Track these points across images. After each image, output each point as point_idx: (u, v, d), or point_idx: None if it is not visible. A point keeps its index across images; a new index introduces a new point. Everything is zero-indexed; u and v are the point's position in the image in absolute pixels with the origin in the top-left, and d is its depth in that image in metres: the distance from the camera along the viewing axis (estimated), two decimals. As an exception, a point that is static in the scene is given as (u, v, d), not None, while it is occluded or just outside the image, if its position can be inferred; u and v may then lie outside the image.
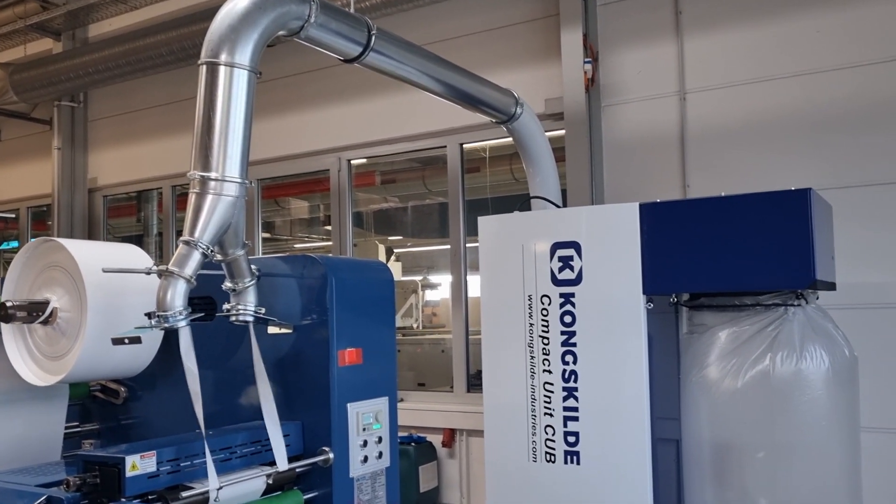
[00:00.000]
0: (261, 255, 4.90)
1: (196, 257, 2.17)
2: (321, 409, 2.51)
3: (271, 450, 2.35)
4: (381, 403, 2.68)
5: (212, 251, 2.22)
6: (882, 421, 3.80)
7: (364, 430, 2.59)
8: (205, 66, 2.26)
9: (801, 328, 3.21)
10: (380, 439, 2.66)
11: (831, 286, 3.48)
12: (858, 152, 3.97)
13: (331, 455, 2.48)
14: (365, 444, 2.59)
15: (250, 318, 2.40)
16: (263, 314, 2.43)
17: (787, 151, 4.12)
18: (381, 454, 2.65)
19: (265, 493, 2.37)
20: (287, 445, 2.42)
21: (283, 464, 2.33)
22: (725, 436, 3.37)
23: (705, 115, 4.32)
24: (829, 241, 3.49)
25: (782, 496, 3.21)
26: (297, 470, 2.45)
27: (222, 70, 2.23)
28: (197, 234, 2.19)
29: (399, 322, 7.16)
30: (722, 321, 3.39)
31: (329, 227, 6.08)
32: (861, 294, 3.87)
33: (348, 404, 2.55)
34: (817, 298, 3.42)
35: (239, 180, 2.24)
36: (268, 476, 2.32)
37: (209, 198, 2.21)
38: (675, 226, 3.26)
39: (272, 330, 2.54)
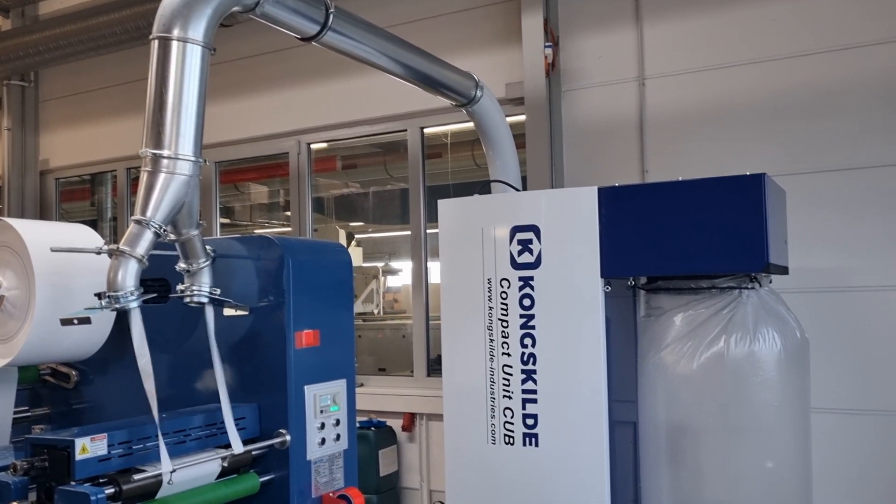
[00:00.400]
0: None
1: (148, 237, 2.12)
2: (278, 392, 2.49)
3: (227, 433, 2.33)
4: (339, 386, 2.66)
5: (164, 231, 2.17)
6: (831, 402, 3.89)
7: (322, 412, 2.57)
8: (157, 42, 2.20)
9: (755, 311, 3.27)
10: (337, 422, 2.64)
11: (784, 270, 3.55)
12: (812, 139, 4.04)
13: (288, 437, 2.46)
14: (322, 426, 2.58)
15: (205, 300, 2.36)
16: (218, 295, 2.39)
17: (743, 138, 4.18)
18: (338, 437, 2.64)
19: (220, 476, 2.34)
20: (243, 428, 2.40)
21: (238, 447, 2.31)
22: (680, 417, 3.42)
23: (664, 101, 4.36)
24: (783, 225, 3.56)
25: (735, 475, 3.28)
26: (253, 453, 2.42)
27: (175, 45, 2.18)
28: (149, 213, 2.14)
29: (360, 308, 7.13)
30: (678, 304, 3.44)
31: (290, 213, 6.02)
32: (812, 278, 3.95)
33: (305, 386, 2.52)
34: (770, 282, 3.48)
35: (192, 158, 2.20)
36: (223, 459, 2.29)
37: (162, 176, 2.16)
38: (633, 210, 3.29)
39: (228, 312, 2.51)
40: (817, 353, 3.53)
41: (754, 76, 4.17)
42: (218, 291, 2.39)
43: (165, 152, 2.16)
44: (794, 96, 4.10)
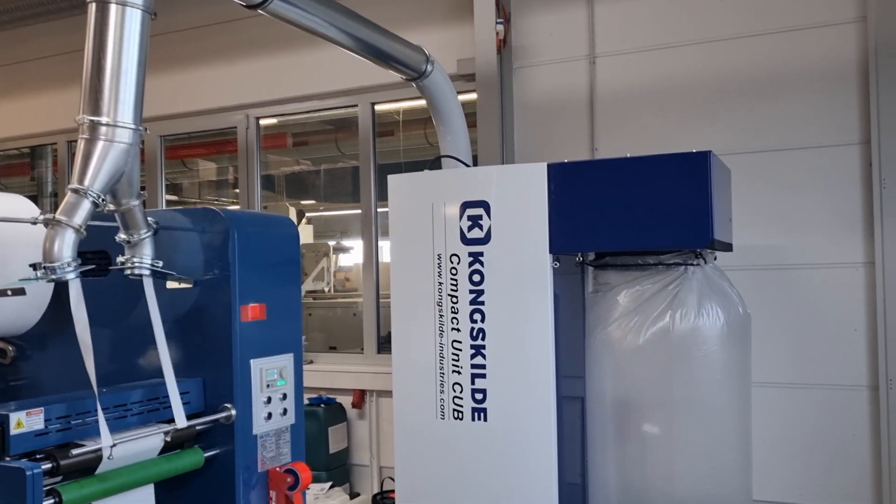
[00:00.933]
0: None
1: (86, 206, 2.06)
2: (223, 366, 2.46)
3: (170, 407, 2.29)
4: (286, 360, 2.64)
5: (103, 200, 2.11)
6: (771, 376, 3.99)
7: (268, 386, 2.55)
8: (94, 4, 2.12)
9: (700, 287, 3.33)
10: (284, 396, 2.62)
11: (729, 247, 3.62)
12: (757, 119, 4.11)
13: (233, 412, 2.43)
14: (269, 400, 2.55)
15: (146, 272, 2.31)
16: (161, 268, 2.34)
17: (690, 117, 4.23)
18: (285, 411, 2.62)
19: (164, 451, 2.30)
20: (187, 403, 2.36)
21: (181, 421, 2.27)
22: (627, 391, 3.48)
23: (614, 79, 4.39)
24: (728, 203, 3.62)
25: (679, 448, 3.35)
26: (198, 427, 2.39)
27: (113, 8, 2.11)
28: (87, 181, 2.08)
29: (310, 286, 7.08)
30: (625, 280, 3.49)
31: (239, 190, 5.92)
32: (756, 255, 4.03)
33: (251, 360, 2.50)
34: (715, 259, 3.55)
35: (132, 126, 2.13)
36: (165, 434, 2.26)
37: (100, 144, 2.10)
38: (582, 186, 3.31)
39: (171, 285, 2.46)
40: (759, 328, 3.61)
41: (701, 56, 4.22)
42: (160, 264, 2.34)
43: (104, 119, 2.09)
44: (739, 76, 4.16)
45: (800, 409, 4.00)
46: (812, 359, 3.99)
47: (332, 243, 8.32)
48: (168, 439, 2.27)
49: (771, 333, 3.97)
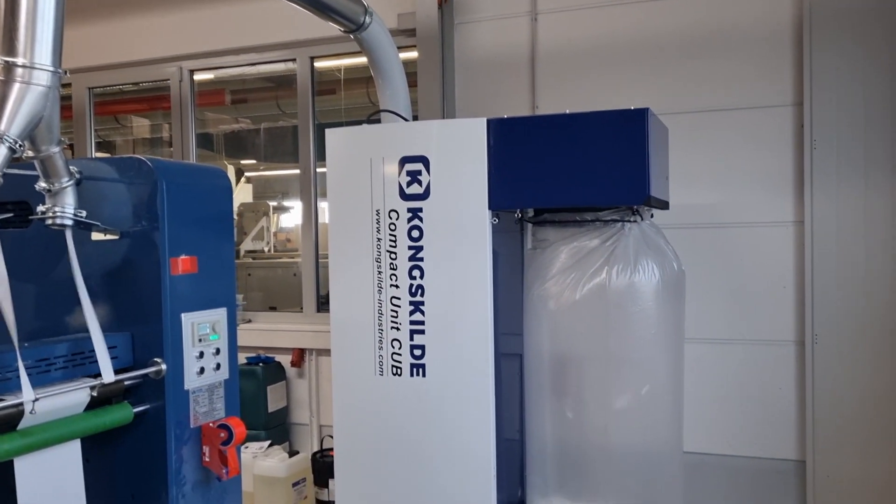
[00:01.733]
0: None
1: (2, 152, 1.96)
2: (153, 320, 2.40)
3: (96, 362, 2.23)
4: (219, 314, 2.59)
5: (21, 146, 2.02)
6: (703, 332, 4.09)
7: (200, 341, 2.50)
8: (7, -63, 2.01)
9: (636, 243, 3.37)
10: (217, 351, 2.57)
11: (665, 205, 3.66)
12: (695, 79, 4.15)
13: (163, 367, 2.38)
14: (201, 355, 2.51)
15: (68, 222, 2.22)
16: (85, 218, 2.26)
17: (630, 75, 4.25)
18: (219, 366, 2.58)
19: (91, 407, 2.24)
20: (114, 357, 2.30)
21: (108, 375, 2.21)
22: (564, 347, 3.52)
23: (555, 36, 4.37)
24: (665, 161, 3.66)
25: (613, 403, 3.41)
26: (126, 382, 2.33)
27: (28, -59, 2.00)
28: (3, 126, 1.98)
29: (250, 245, 6.97)
30: (563, 237, 3.51)
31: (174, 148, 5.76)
32: (691, 214, 4.10)
33: (182, 314, 2.44)
34: (652, 216, 3.59)
35: (51, 69, 2.03)
36: (91, 388, 2.20)
37: (16, 86, 1.99)
38: (521, 142, 3.30)
39: (97, 236, 2.38)
40: (693, 285, 3.69)
41: (642, 14, 4.23)
42: (84, 214, 2.26)
43: (20, 60, 1.99)
44: (679, 36, 4.19)
45: (730, 364, 4.12)
46: (743, 315, 4.10)
47: (272, 203, 8.20)
48: (94, 394, 2.21)
49: (704, 290, 4.06)
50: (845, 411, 3.85)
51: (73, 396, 2.15)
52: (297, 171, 5.13)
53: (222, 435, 2.50)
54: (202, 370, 2.51)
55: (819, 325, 3.88)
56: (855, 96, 3.82)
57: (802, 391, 3.97)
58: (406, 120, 3.76)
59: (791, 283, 4.01)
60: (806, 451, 3.94)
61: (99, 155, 6.01)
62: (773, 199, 4.04)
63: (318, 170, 5.03)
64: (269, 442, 4.46)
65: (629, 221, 3.37)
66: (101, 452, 2.46)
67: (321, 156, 4.94)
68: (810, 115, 3.89)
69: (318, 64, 5.25)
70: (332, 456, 3.69)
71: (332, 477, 3.69)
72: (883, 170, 3.77)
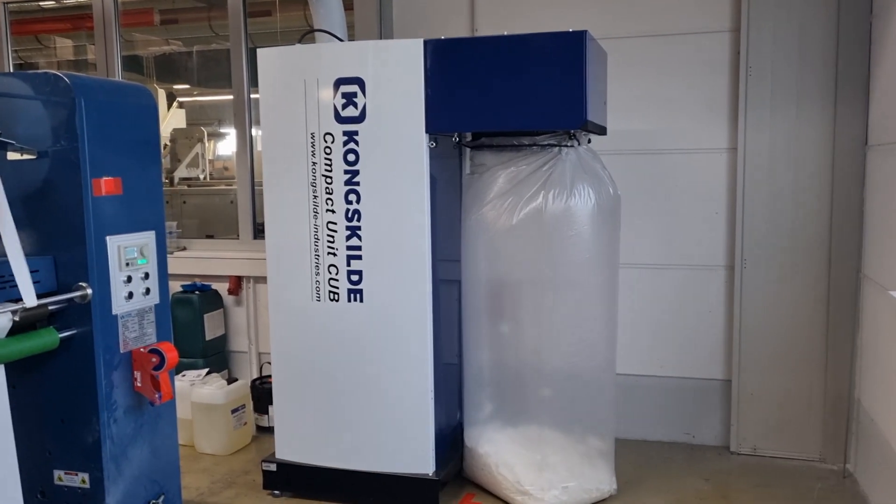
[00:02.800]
0: None
1: None
2: (76, 243, 2.33)
3: (17, 286, 2.16)
4: (147, 237, 2.53)
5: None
6: (637, 257, 4.16)
7: (128, 265, 2.44)
8: None
9: (573, 168, 3.38)
10: (147, 275, 2.52)
11: (603, 130, 3.67)
12: (633, 3, 4.11)
13: (89, 291, 2.33)
14: (129, 279, 2.45)
15: (-20, 140, 2.12)
16: (-2, 136, 2.15)
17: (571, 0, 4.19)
18: (148, 290, 2.53)
19: (15, 332, 2.18)
20: (37, 282, 2.24)
21: (30, 300, 2.15)
22: (500, 272, 3.54)
23: (495, -44, 4.27)
24: (603, 86, 3.65)
25: (549, 326, 3.46)
26: (50, 307, 2.28)
27: None
28: None
29: (184, 172, 6.78)
30: (501, 161, 3.50)
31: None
32: (628, 140, 4.12)
33: (108, 237, 2.38)
34: (589, 141, 3.60)
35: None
36: (13, 313, 2.14)
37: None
38: (458, 64, 3.24)
39: (12, 156, 2.28)
40: (628, 211, 3.73)
41: (584, -64, 4.15)
42: (-2, 132, 2.16)
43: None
44: (620, -40, 4.13)
45: (663, 288, 4.21)
46: (676, 240, 4.18)
47: (208, 130, 7.96)
48: (17, 318, 2.15)
49: (640, 216, 4.12)
50: (769, 332, 3.99)
51: (-8, 321, 2.08)
52: (231, 97, 4.98)
53: (154, 360, 2.47)
54: (130, 295, 2.46)
55: (748, 249, 3.99)
56: (790, 25, 3.84)
57: (731, 314, 4.09)
58: (341, 40, 3.65)
59: (723, 209, 4.09)
60: (732, 371, 4.09)
61: (19, 76, 5.70)
62: (709, 126, 4.08)
63: (253, 95, 4.88)
64: (207, 370, 4.42)
65: (566, 146, 3.37)
66: (28, 378, 2.41)
67: (255, 81, 4.78)
68: (747, 42, 3.90)
69: (252, -17, 5.04)
70: (271, 383, 3.69)
71: (272, 403, 3.70)
72: (814, 100, 3.82)
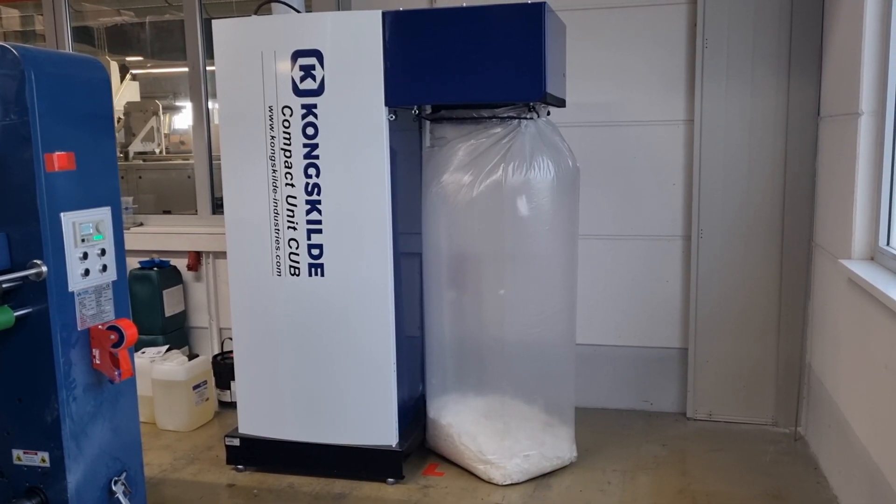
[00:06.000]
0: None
1: None
2: (29, 220, 2.28)
3: (-31, 264, 2.12)
4: (103, 213, 2.48)
5: None
6: (596, 228, 4.21)
7: (83, 241, 2.41)
8: None
9: (532, 140, 3.39)
10: (103, 251, 2.49)
11: (562, 103, 3.69)
12: (593, -24, 4.12)
13: (44, 268, 2.29)
14: (85, 256, 2.42)
15: (-74, 114, 2.06)
16: (-56, 110, 2.09)
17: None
18: (105, 267, 2.49)
19: (-33, 311, 2.15)
20: (-11, 259, 2.20)
21: (-17, 277, 2.11)
22: (461, 244, 3.56)
23: (454, -73, 4.23)
24: (562, 59, 3.66)
25: (510, 296, 3.50)
26: (4, 285, 2.24)
27: None
28: None
29: (139, 147, 6.65)
30: (461, 134, 3.50)
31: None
32: (587, 112, 4.15)
33: (62, 213, 2.33)
34: (548, 114, 3.61)
35: None
36: (-34, 291, 2.10)
37: None
38: (417, 36, 3.23)
39: (-40, 131, 2.22)
40: (587, 183, 3.77)
41: None
42: (-58, 105, 2.09)
43: None
44: (579, -69, 4.12)
45: (622, 259, 4.28)
46: (635, 212, 4.23)
47: (163, 104, 7.80)
48: (-31, 297, 2.11)
49: (598, 188, 4.16)
50: (724, 301, 4.09)
51: (-56, 300, 2.04)
52: (186, 69, 4.88)
53: (112, 337, 2.45)
54: (87, 272, 2.42)
55: (704, 220, 4.06)
56: (746, -4, 3.89)
57: (687, 283, 4.17)
58: (298, 12, 3.60)
59: (680, 180, 4.15)
60: (688, 339, 4.18)
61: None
62: (666, 98, 4.12)
63: (209, 67, 4.80)
64: (167, 346, 4.39)
65: (525, 118, 3.38)
66: (-17, 358, 2.37)
67: (211, 53, 4.70)
68: (703, 14, 3.94)
69: (206, -49, 4.93)
70: (233, 358, 3.68)
71: (234, 378, 3.68)
72: (768, 72, 3.88)
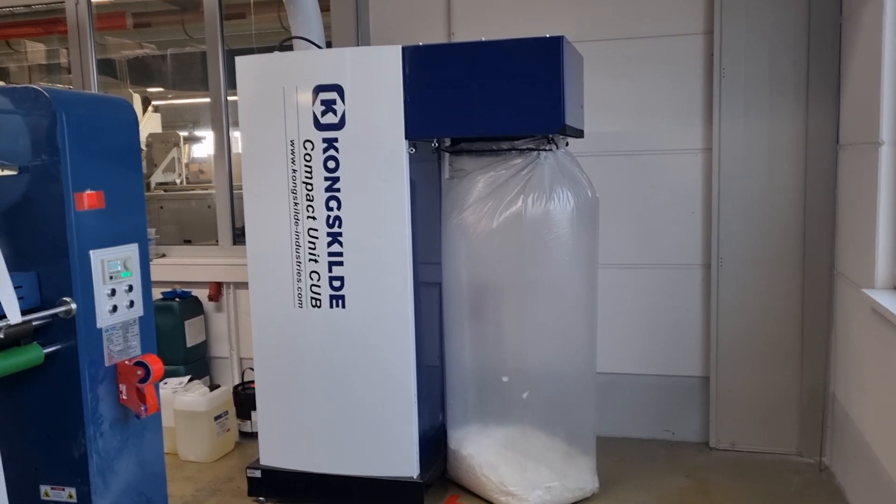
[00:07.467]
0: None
1: None
2: (60, 258, 2.31)
3: (1, 303, 2.15)
4: (130, 250, 2.52)
5: None
6: (616, 257, 4.22)
7: (111, 278, 2.44)
8: None
9: (552, 172, 3.41)
10: (130, 288, 2.51)
11: (580, 133, 3.71)
12: (609, 7, 4.16)
13: (73, 305, 2.32)
14: (113, 293, 2.44)
15: (-39, 157, 2.10)
16: (-22, 153, 2.14)
17: (547, 4, 4.22)
18: (132, 303, 2.52)
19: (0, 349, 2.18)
20: (21, 297, 2.22)
21: (14, 316, 2.14)
22: (481, 275, 3.57)
23: (471, -39, 4.29)
24: (580, 90, 3.69)
25: (530, 327, 3.50)
26: (35, 323, 2.26)
27: None
28: None
29: (161, 177, 6.73)
30: (480, 166, 3.53)
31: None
32: (605, 141, 4.17)
33: (91, 251, 2.36)
34: (567, 145, 3.64)
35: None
36: (-2, 330, 2.13)
37: None
38: (437, 70, 3.27)
39: (-7, 172, 2.27)
40: (606, 212, 3.78)
41: (559, -60, 4.19)
42: (-23, 148, 2.14)
43: None
44: (595, -37, 4.17)
45: (641, 288, 4.27)
46: (654, 240, 4.23)
47: (183, 134, 7.91)
48: (1, 336, 2.14)
49: (617, 217, 4.17)
50: (746, 330, 4.06)
51: (-23, 339, 2.07)
52: (208, 100, 4.96)
53: (139, 372, 2.47)
54: (115, 308, 2.45)
55: (724, 248, 4.05)
56: (763, 25, 3.90)
57: (707, 312, 4.16)
58: (319, 47, 3.66)
59: (699, 208, 4.15)
60: (710, 368, 4.16)
61: (-9, 82, 5.64)
62: (684, 127, 4.13)
63: (230, 98, 4.87)
64: (188, 377, 4.41)
65: (545, 150, 3.40)
66: (12, 394, 2.40)
67: (232, 83, 4.77)
68: (720, 44, 3.96)
69: (226, -14, 5.02)
70: (254, 388, 3.70)
71: (255, 409, 3.70)
72: (786, 100, 3.89)
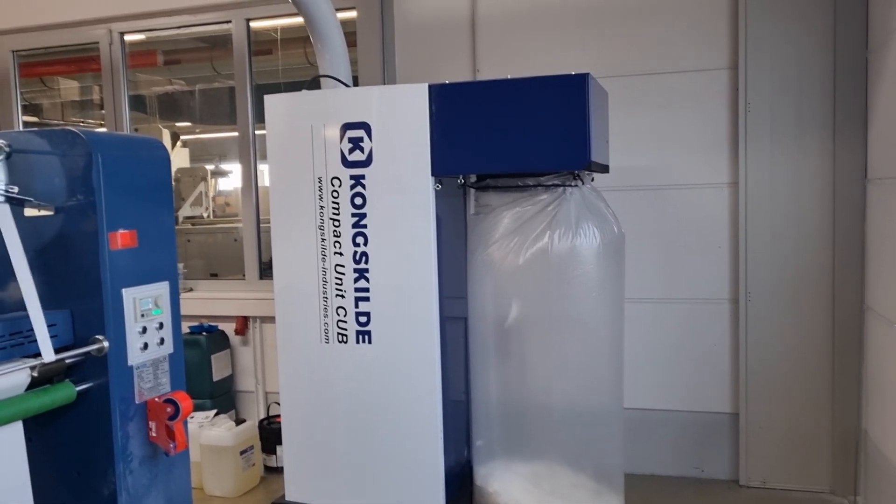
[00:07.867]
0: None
1: (-74, 127, 1.89)
2: (93, 296, 2.35)
3: (35, 341, 2.18)
4: (161, 288, 2.55)
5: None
6: (642, 292, 4.20)
7: (143, 316, 2.46)
8: None
9: (577, 207, 3.42)
10: (161, 325, 2.54)
11: (605, 169, 3.72)
12: (633, 43, 4.19)
13: (105, 343, 2.34)
14: (144, 330, 2.47)
15: (0, 198, 2.15)
16: (17, 194, 2.19)
17: (571, 39, 4.27)
18: (162, 340, 2.55)
19: (32, 386, 2.20)
20: (54, 336, 2.26)
21: (48, 354, 2.17)
22: (507, 311, 3.57)
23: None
24: (605, 125, 3.70)
25: (556, 363, 3.49)
26: (67, 361, 2.29)
27: None
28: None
29: (188, 211, 6.83)
30: (506, 202, 3.54)
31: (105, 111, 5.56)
32: (630, 176, 4.17)
33: (123, 290, 2.40)
34: (592, 180, 3.64)
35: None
36: (32, 368, 2.15)
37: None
38: (463, 108, 3.30)
39: (30, 212, 2.31)
40: (632, 247, 3.77)
41: (582, -22, 4.24)
42: (15, 189, 2.19)
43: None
44: (619, 0, 4.21)
45: (668, 323, 4.24)
46: (680, 275, 4.21)
47: (209, 167, 8.03)
48: (35, 374, 2.16)
49: (643, 251, 4.16)
50: (775, 365, 4.02)
51: (12, 378, 2.10)
52: (235, 133, 5.04)
53: (168, 410, 2.48)
54: (146, 346, 2.48)
55: (752, 283, 4.02)
56: (788, 60, 3.91)
57: (736, 347, 4.12)
58: (347, 85, 3.71)
59: (726, 243, 4.13)
60: (739, 404, 4.11)
61: (25, 119, 5.78)
62: (709, 161, 4.13)
63: (257, 132, 4.95)
64: (215, 411, 4.43)
65: (570, 186, 3.41)
66: (43, 431, 2.42)
67: (260, 118, 4.85)
68: (745, 79, 3.97)
69: (254, 24, 5.13)
70: (279, 423, 3.70)
71: (280, 444, 3.70)
72: (813, 134, 3.89)
